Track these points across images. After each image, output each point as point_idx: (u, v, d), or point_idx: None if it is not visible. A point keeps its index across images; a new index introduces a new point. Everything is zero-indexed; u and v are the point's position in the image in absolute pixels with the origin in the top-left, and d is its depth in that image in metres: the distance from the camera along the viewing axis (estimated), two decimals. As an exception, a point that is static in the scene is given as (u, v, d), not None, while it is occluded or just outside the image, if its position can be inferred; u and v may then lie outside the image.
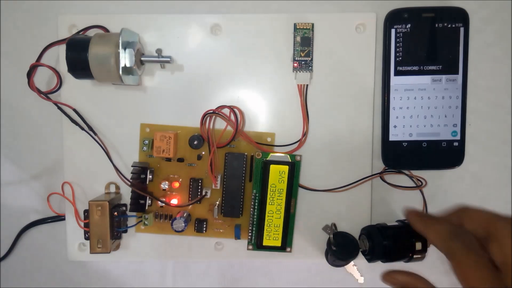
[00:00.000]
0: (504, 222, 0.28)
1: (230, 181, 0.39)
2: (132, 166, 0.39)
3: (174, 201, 0.40)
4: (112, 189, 0.41)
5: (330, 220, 0.41)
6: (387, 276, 0.33)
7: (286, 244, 0.40)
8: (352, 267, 0.41)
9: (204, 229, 0.40)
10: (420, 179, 0.41)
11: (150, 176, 0.40)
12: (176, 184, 0.40)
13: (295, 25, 0.39)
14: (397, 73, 0.40)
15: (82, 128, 0.40)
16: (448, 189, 0.42)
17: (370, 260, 0.37)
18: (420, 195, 0.41)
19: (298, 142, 0.40)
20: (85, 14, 0.40)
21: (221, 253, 0.42)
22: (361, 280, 0.41)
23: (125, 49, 0.36)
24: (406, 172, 0.41)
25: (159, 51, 0.39)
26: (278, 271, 0.43)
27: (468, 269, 0.26)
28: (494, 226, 0.28)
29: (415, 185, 0.41)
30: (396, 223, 0.38)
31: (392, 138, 0.40)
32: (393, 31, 0.39)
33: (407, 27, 0.39)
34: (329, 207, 0.41)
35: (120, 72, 0.36)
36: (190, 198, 0.40)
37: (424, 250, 0.36)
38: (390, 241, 0.36)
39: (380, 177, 0.41)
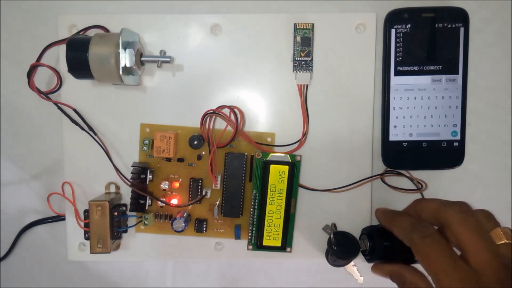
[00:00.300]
0: (450, 208, 0.29)
1: (230, 181, 0.39)
2: (132, 166, 0.39)
3: (174, 201, 0.40)
4: (112, 189, 0.41)
5: (330, 220, 0.41)
6: (375, 268, 0.36)
7: (286, 244, 0.40)
8: (351, 267, 0.41)
9: (204, 229, 0.40)
10: (420, 182, 0.41)
11: (150, 176, 0.40)
12: (176, 184, 0.40)
13: (295, 25, 0.39)
14: (397, 73, 0.40)
15: (82, 128, 0.40)
16: (448, 189, 0.42)
17: (370, 260, 0.37)
18: (420, 196, 0.41)
19: (298, 142, 0.40)
20: (85, 14, 0.40)
21: (221, 253, 0.42)
22: (360, 280, 0.41)
23: (125, 49, 0.36)
24: (407, 174, 0.41)
25: (162, 52, 0.39)
26: (278, 271, 0.43)
27: (429, 257, 0.27)
28: (442, 214, 0.29)
29: (415, 188, 0.41)
30: None
31: (392, 138, 0.40)
32: (393, 31, 0.39)
33: (407, 27, 0.39)
34: (329, 207, 0.41)
35: (120, 72, 0.36)
36: (190, 198, 0.40)
37: None
38: (391, 242, 0.35)
39: (381, 178, 0.41)
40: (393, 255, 0.36)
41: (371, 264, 0.38)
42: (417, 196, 0.41)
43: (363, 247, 0.38)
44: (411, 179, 0.41)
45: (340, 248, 0.37)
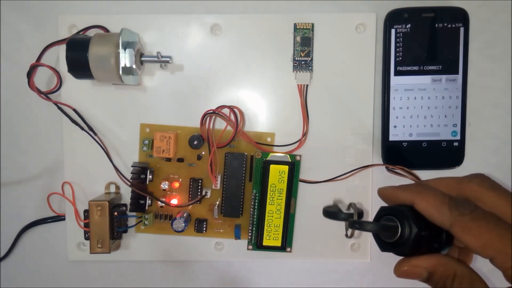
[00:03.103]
0: (473, 178, 0.25)
1: (230, 181, 0.39)
2: (132, 166, 0.39)
3: (174, 201, 0.40)
4: (112, 189, 0.41)
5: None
6: (406, 264, 0.25)
7: (286, 244, 0.40)
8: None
9: (204, 229, 0.40)
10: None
11: (150, 176, 0.40)
12: (176, 184, 0.40)
13: (295, 25, 0.39)
14: (397, 73, 0.40)
15: (82, 128, 0.40)
16: (448, 189, 0.42)
17: (401, 252, 0.26)
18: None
19: (298, 142, 0.40)
20: (85, 14, 0.40)
21: (221, 253, 0.42)
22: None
23: (125, 49, 0.36)
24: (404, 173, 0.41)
25: (159, 53, 0.39)
26: (278, 271, 0.43)
27: (482, 237, 0.22)
28: (466, 186, 0.25)
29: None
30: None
31: (392, 138, 0.40)
32: (393, 31, 0.39)
33: (407, 27, 0.39)
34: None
35: (120, 72, 0.36)
36: (190, 198, 0.40)
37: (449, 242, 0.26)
38: (428, 225, 0.25)
39: (386, 167, 0.40)
40: (424, 243, 0.25)
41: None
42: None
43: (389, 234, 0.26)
44: (410, 173, 0.40)
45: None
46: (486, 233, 0.22)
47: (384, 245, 0.26)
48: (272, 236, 0.39)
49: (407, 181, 0.41)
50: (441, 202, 0.24)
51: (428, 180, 0.27)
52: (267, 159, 0.39)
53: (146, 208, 0.40)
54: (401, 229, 0.25)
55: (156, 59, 0.38)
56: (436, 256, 0.25)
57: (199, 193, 0.40)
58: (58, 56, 0.40)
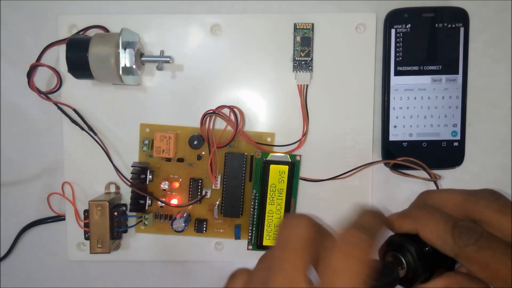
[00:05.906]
0: (481, 198, 0.24)
1: (230, 181, 0.39)
2: (132, 166, 0.39)
3: (174, 201, 0.40)
4: (112, 189, 0.41)
5: (330, 219, 0.41)
6: None
7: (286, 244, 0.40)
8: None
9: (204, 229, 0.40)
10: (436, 175, 0.39)
11: (150, 176, 0.40)
12: (176, 184, 0.40)
13: (295, 25, 0.39)
14: (397, 73, 0.40)
15: (82, 128, 0.40)
16: (448, 189, 0.42)
17: (410, 284, 0.24)
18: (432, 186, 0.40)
19: (298, 142, 0.40)
20: (85, 14, 0.40)
21: (221, 253, 0.42)
22: None
23: (125, 49, 0.36)
24: (419, 165, 0.39)
25: (162, 52, 0.39)
26: (278, 271, 0.43)
27: (490, 268, 0.21)
28: (473, 207, 0.23)
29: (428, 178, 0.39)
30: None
31: (392, 138, 0.40)
32: (393, 31, 0.39)
33: (407, 27, 0.39)
34: (329, 207, 0.41)
35: (120, 72, 0.36)
36: (190, 198, 0.40)
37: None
38: (430, 249, 0.24)
39: (386, 164, 0.40)
40: (435, 269, 0.24)
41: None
42: (427, 186, 0.40)
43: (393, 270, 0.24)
44: (425, 169, 0.39)
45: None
46: (493, 264, 0.21)
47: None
48: (272, 236, 0.39)
49: (409, 181, 0.41)
50: (444, 230, 0.22)
51: (433, 192, 0.26)
52: (267, 159, 0.39)
53: (146, 208, 0.40)
54: (407, 268, 0.23)
55: (156, 59, 0.38)
56: (446, 277, 0.24)
57: (199, 193, 0.40)
58: (58, 56, 0.40)
